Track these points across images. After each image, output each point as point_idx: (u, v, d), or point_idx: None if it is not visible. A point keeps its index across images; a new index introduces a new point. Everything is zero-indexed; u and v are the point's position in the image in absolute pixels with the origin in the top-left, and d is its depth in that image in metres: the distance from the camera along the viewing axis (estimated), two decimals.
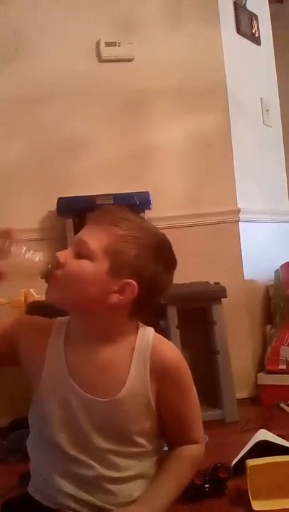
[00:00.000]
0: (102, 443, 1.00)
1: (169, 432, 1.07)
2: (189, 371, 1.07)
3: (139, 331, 1.06)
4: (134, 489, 1.02)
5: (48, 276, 0.99)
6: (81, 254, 0.98)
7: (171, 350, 1.07)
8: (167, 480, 1.03)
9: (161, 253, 1.02)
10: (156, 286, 1.02)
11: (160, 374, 1.02)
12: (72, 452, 1.00)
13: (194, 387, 1.08)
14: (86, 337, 1.03)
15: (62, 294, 0.99)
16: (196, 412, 1.09)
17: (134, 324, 1.06)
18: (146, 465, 1.04)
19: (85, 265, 0.97)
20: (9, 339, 1.05)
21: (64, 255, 0.99)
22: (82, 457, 1.00)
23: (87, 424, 1.00)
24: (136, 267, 0.98)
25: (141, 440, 1.03)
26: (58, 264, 0.98)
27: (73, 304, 1.01)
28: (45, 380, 1.02)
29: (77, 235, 1.03)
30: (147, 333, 1.06)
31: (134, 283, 0.98)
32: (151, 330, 1.07)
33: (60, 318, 1.08)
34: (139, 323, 1.07)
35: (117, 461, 1.01)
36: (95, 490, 1.00)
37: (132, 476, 1.02)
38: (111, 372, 1.02)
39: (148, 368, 1.02)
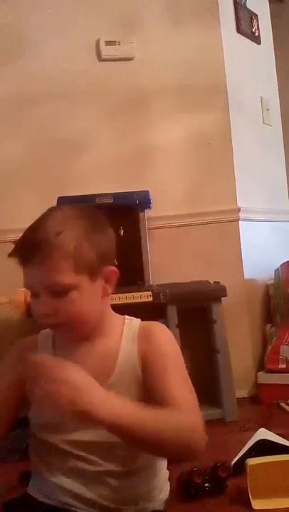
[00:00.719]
0: (105, 436, 0.96)
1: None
2: (177, 347, 1.04)
3: (126, 321, 1.06)
4: (139, 484, 1.02)
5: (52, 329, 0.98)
6: (60, 291, 0.94)
7: (158, 325, 1.07)
8: (146, 409, 0.90)
9: (100, 222, 1.02)
10: (114, 245, 1.04)
11: (145, 342, 1.02)
12: (77, 451, 1.00)
13: (183, 365, 1.02)
14: (77, 339, 1.02)
15: (81, 330, 0.99)
16: (185, 387, 0.99)
17: (120, 317, 1.07)
18: (150, 456, 1.03)
19: (76, 298, 0.95)
20: (19, 385, 1.01)
21: (49, 306, 0.94)
22: (86, 454, 0.99)
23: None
24: (102, 254, 0.99)
25: None
26: (52, 317, 0.95)
27: (92, 327, 1.01)
28: None
29: (33, 280, 0.95)
30: (134, 320, 1.07)
31: (112, 267, 1.00)
32: (138, 319, 1.08)
33: (44, 330, 1.08)
34: (126, 316, 1.08)
35: (121, 454, 1.00)
36: (100, 486, 1.00)
37: (137, 468, 1.02)
38: (102, 364, 1.01)
39: (136, 343, 1.02)
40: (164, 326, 1.07)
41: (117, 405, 0.87)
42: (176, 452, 0.93)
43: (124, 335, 1.04)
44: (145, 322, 1.07)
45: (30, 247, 0.94)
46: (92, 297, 0.98)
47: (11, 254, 0.96)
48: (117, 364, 1.01)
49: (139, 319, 1.08)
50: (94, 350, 1.02)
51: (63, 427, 0.99)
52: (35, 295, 0.97)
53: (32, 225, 0.98)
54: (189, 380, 1.02)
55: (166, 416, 0.91)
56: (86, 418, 0.83)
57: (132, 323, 1.06)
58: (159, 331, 1.05)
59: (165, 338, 1.04)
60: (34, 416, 1.04)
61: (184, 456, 0.97)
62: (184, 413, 0.93)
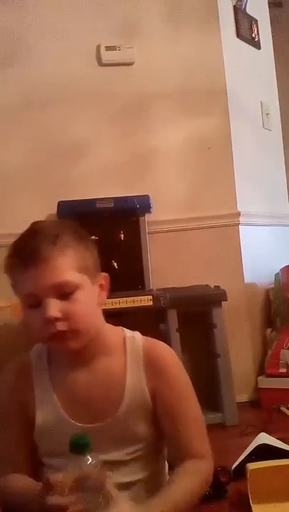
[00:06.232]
0: (108, 456, 0.97)
1: (170, 444, 1.02)
2: (186, 374, 1.03)
3: (126, 335, 1.04)
4: (145, 492, 1.02)
5: (57, 338, 0.93)
6: (68, 291, 0.92)
7: (164, 348, 1.05)
8: (173, 492, 0.93)
9: (83, 231, 1.02)
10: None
11: (155, 372, 1.00)
12: None
13: (194, 394, 1.03)
14: (76, 358, 0.99)
15: (82, 338, 0.95)
16: (198, 422, 1.02)
17: (118, 330, 1.05)
18: (152, 467, 1.03)
19: (81, 298, 0.93)
20: (25, 411, 1.02)
21: (57, 308, 0.91)
22: None
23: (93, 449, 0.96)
24: (95, 258, 1.00)
25: (142, 444, 1.01)
26: (60, 322, 0.92)
27: (89, 337, 0.98)
28: (39, 423, 1.00)
29: (37, 284, 0.91)
30: (136, 337, 1.04)
31: (104, 273, 1.01)
32: (137, 333, 1.05)
33: (36, 347, 1.05)
34: (123, 328, 1.06)
35: (123, 469, 0.99)
36: None
37: (144, 479, 1.01)
38: (107, 387, 0.99)
39: (142, 369, 1.00)
40: (170, 350, 1.04)
41: None
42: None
43: (129, 356, 1.01)
44: (149, 342, 1.03)
45: (32, 250, 0.91)
46: (93, 299, 0.98)
47: (10, 256, 0.94)
48: (126, 392, 0.98)
49: (139, 335, 1.05)
50: (96, 370, 1.00)
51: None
52: (34, 305, 0.93)
53: (23, 234, 0.96)
54: (198, 405, 1.03)
55: (195, 482, 0.95)
56: None
57: (135, 342, 1.02)
58: (167, 358, 1.02)
59: (175, 368, 1.02)
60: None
61: None
62: (206, 464, 0.99)
